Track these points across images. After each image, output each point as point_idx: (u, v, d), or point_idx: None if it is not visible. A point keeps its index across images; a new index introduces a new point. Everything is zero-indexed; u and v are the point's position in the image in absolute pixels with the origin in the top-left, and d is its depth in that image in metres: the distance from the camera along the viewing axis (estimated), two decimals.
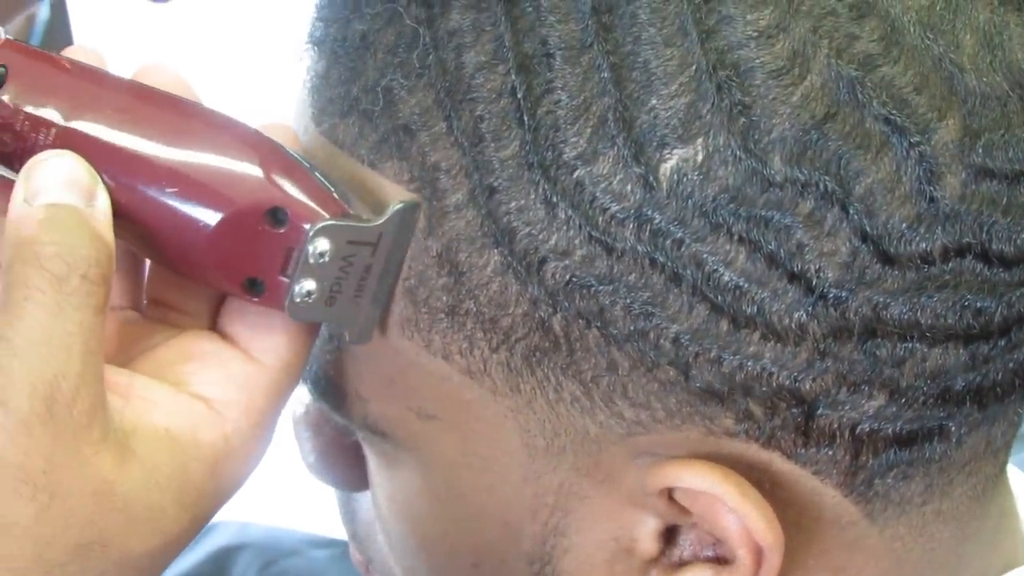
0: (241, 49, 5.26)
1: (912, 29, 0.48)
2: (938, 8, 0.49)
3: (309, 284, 0.52)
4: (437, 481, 0.57)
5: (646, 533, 0.53)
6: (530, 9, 0.49)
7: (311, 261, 0.51)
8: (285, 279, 0.52)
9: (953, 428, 0.52)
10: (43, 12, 2.74)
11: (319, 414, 0.64)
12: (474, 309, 0.51)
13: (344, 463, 0.64)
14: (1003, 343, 0.51)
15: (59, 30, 3.20)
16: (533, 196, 0.49)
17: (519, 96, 0.49)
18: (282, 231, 0.51)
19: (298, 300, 0.52)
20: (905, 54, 0.48)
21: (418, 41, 0.51)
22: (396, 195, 0.52)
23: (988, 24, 0.50)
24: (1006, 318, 0.50)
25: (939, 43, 0.48)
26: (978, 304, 0.50)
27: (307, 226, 0.51)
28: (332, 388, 0.58)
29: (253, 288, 0.52)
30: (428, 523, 0.58)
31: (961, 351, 0.50)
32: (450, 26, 0.51)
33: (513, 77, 0.49)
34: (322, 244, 0.51)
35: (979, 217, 0.49)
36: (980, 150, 0.48)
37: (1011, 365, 0.52)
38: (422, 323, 0.53)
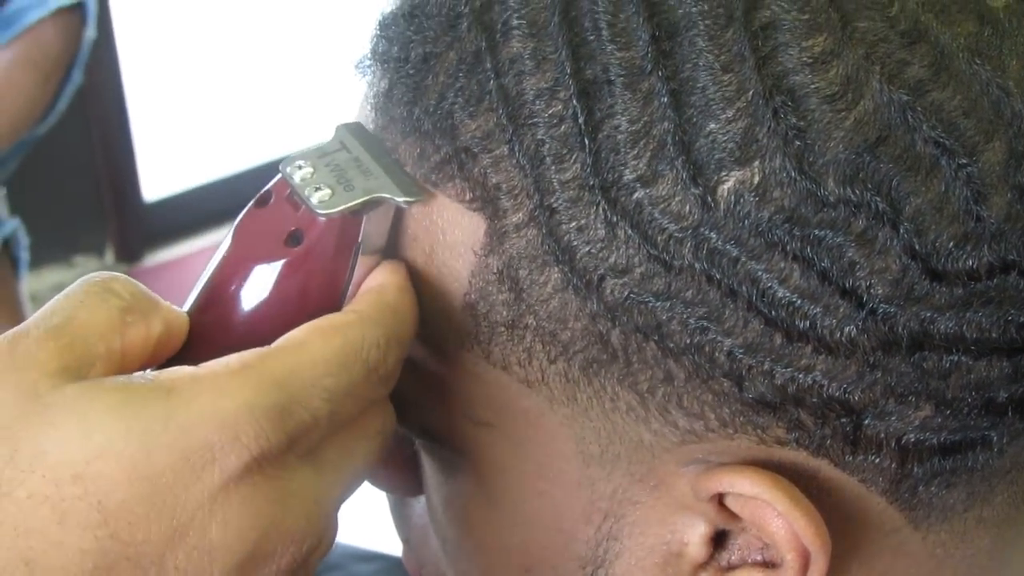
0: (281, 61, 5.26)
1: (961, 55, 0.48)
2: (986, 34, 0.48)
3: (321, 191, 0.52)
4: (492, 486, 0.56)
5: (697, 537, 0.53)
6: (591, 37, 0.49)
7: (300, 181, 0.52)
8: (303, 208, 0.52)
9: (995, 438, 0.51)
10: (90, 32, 2.74)
11: None
12: (534, 323, 0.51)
13: (400, 469, 0.63)
14: None
15: (104, 48, 3.20)
16: (593, 216, 0.48)
17: (580, 121, 0.48)
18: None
19: (317, 201, 0.51)
20: (954, 79, 0.47)
21: (479, 66, 0.51)
22: (457, 217, 0.51)
23: None
24: None
25: (986, 68, 0.48)
26: (1021, 319, 0.49)
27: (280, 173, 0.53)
28: (392, 399, 0.57)
29: (299, 240, 0.52)
30: (482, 527, 0.58)
31: (1004, 364, 0.49)
32: (511, 53, 0.50)
33: (574, 102, 0.48)
34: (299, 169, 0.52)
35: (1023, 235, 0.48)
36: (1019, 187, 0.48)
37: None
38: (482, 336, 0.52)
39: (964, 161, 0.47)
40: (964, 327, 0.48)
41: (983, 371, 0.49)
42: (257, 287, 0.53)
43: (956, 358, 0.49)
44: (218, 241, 0.55)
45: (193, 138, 4.35)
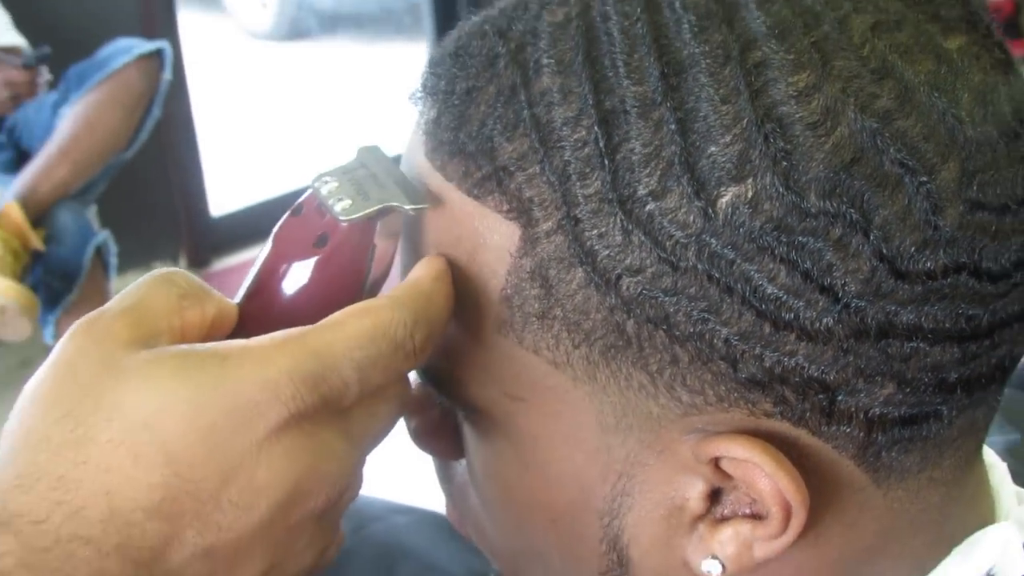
0: (321, 103, 5.26)
1: (921, 89, 0.47)
2: (942, 72, 0.48)
3: (344, 201, 0.53)
4: (524, 451, 0.55)
5: (695, 494, 0.52)
6: (609, 73, 0.48)
7: (326, 193, 0.53)
8: (329, 216, 0.53)
9: (946, 411, 0.51)
10: (167, 74, 2.73)
11: (425, 396, 0.63)
12: (561, 314, 0.50)
13: (444, 437, 0.63)
14: (988, 343, 0.50)
15: (178, 87, 3.20)
16: (612, 225, 0.48)
17: (600, 144, 0.48)
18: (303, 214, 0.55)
19: (339, 210, 0.52)
20: (916, 109, 0.47)
21: (515, 98, 0.50)
22: (496, 224, 0.51)
23: (982, 84, 0.49)
24: (991, 323, 0.49)
25: (942, 100, 0.47)
26: (970, 311, 0.48)
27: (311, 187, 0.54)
28: (439, 376, 0.57)
29: (325, 241, 0.53)
30: (516, 485, 0.57)
31: (955, 349, 0.49)
32: (542, 87, 0.50)
33: (596, 129, 0.48)
34: (326, 184, 0.54)
35: (972, 241, 0.48)
36: (975, 187, 0.47)
37: (993, 361, 0.51)
38: (516, 324, 0.52)
39: (924, 179, 0.46)
40: (923, 319, 0.48)
41: (938, 355, 0.49)
42: (293, 280, 0.54)
43: (915, 344, 0.48)
44: None
45: (251, 163, 4.36)
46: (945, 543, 0.56)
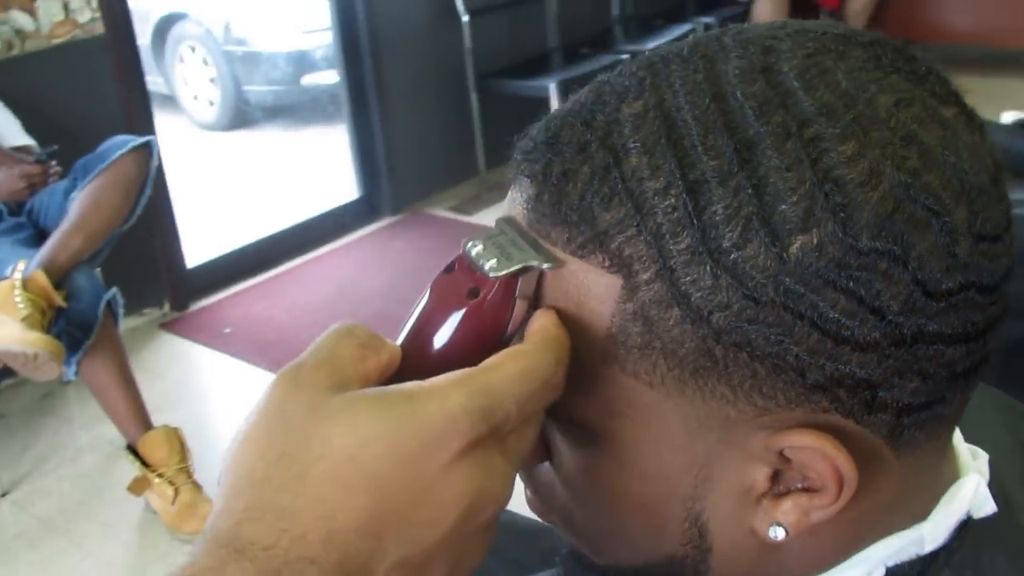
0: (277, 167, 5.18)
1: (937, 150, 0.47)
2: (948, 135, 0.48)
3: (491, 260, 0.51)
4: (621, 455, 0.54)
5: (762, 476, 0.51)
6: (690, 152, 0.47)
7: (475, 255, 0.52)
8: (479, 272, 0.52)
9: (949, 396, 0.51)
10: (155, 161, 2.66)
11: None
12: (659, 345, 0.49)
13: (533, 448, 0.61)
14: (982, 341, 0.50)
15: (157, 171, 3.08)
16: (703, 272, 0.46)
17: (689, 209, 0.46)
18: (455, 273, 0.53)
19: (488, 267, 0.51)
20: (936, 166, 0.46)
21: (609, 175, 0.48)
22: (599, 277, 0.50)
23: (971, 143, 0.49)
24: (985, 326, 0.49)
25: (952, 157, 0.47)
26: (974, 318, 0.48)
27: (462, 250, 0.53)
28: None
29: (476, 294, 0.52)
30: (610, 482, 0.55)
31: (963, 348, 0.49)
32: (632, 165, 0.48)
33: (684, 196, 0.47)
34: (475, 247, 0.52)
35: (979, 265, 0.48)
36: (979, 223, 0.47)
37: (984, 355, 0.50)
38: (619, 356, 0.50)
39: (946, 219, 0.46)
40: (943, 327, 0.48)
41: (951, 355, 0.49)
42: (449, 327, 0.52)
43: (937, 347, 0.48)
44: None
45: (215, 226, 4.29)
46: (937, 495, 0.56)
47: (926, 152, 0.47)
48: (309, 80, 5.88)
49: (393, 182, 4.22)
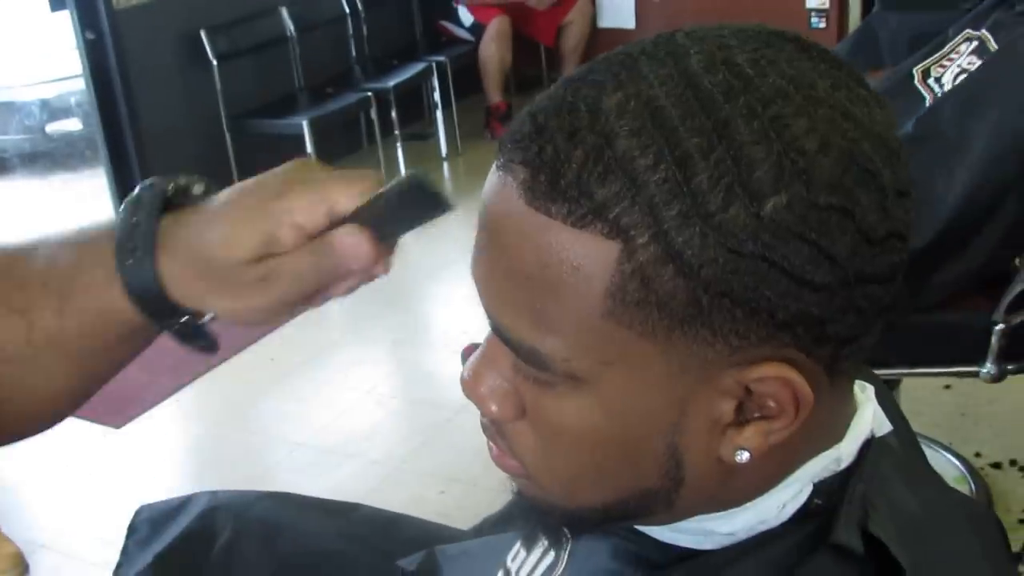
0: None
1: (866, 122, 0.55)
2: (870, 110, 0.56)
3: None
4: (610, 398, 0.58)
5: (729, 408, 0.58)
6: (674, 133, 0.53)
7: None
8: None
9: (873, 329, 0.58)
10: None
11: (508, 369, 0.64)
12: (654, 299, 0.54)
13: (510, 406, 0.64)
14: (895, 282, 0.58)
15: None
16: (694, 233, 0.52)
17: (679, 180, 0.52)
18: None
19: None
20: (868, 135, 0.55)
21: (602, 155, 0.53)
22: (598, 243, 0.54)
23: (883, 116, 0.57)
24: (900, 269, 0.58)
25: (877, 128, 0.56)
26: (896, 260, 0.57)
27: None
28: (540, 358, 0.59)
29: None
30: (595, 428, 0.59)
31: (887, 287, 0.57)
32: (623, 146, 0.53)
33: (674, 169, 0.52)
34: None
35: (900, 216, 0.56)
36: (899, 181, 0.56)
37: (897, 293, 0.58)
38: (617, 310, 0.55)
39: (879, 179, 0.54)
40: (876, 269, 0.55)
41: (879, 292, 0.56)
42: None
43: (872, 287, 0.56)
44: None
45: None
46: (848, 419, 0.65)
47: (859, 124, 0.55)
48: (54, 128, 5.61)
49: None
